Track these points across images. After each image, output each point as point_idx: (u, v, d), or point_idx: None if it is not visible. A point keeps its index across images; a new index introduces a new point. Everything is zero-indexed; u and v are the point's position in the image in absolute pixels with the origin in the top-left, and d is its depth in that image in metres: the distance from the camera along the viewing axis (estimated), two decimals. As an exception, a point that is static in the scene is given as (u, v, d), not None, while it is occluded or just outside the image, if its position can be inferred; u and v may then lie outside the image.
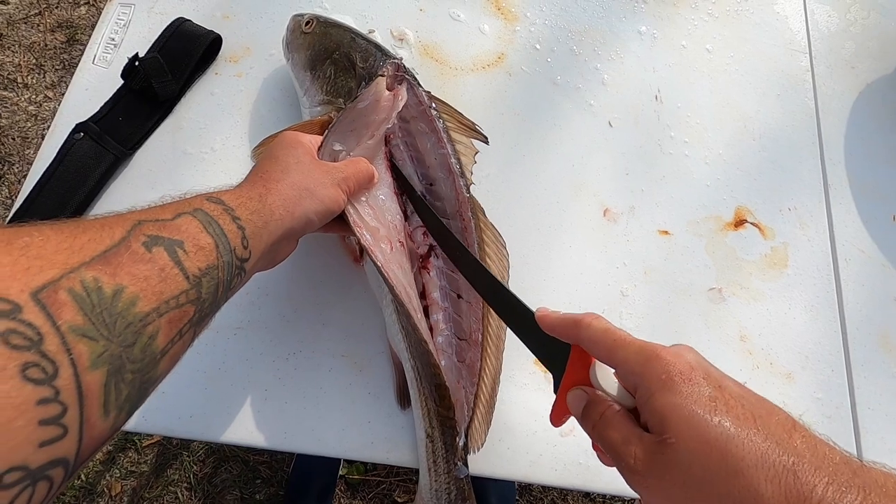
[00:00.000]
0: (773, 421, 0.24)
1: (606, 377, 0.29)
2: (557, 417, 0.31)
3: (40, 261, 0.21)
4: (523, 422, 0.45)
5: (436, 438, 0.40)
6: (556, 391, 0.31)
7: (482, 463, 0.43)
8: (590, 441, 0.29)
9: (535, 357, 0.33)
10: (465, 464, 0.41)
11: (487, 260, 0.45)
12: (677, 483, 0.24)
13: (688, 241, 0.53)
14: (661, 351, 0.26)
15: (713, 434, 0.23)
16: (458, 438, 0.40)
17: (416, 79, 0.47)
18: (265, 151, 0.39)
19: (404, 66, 0.47)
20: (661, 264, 0.52)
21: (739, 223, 0.55)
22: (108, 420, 0.22)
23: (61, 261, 0.21)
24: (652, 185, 0.55)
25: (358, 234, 0.40)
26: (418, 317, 0.40)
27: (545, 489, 1.08)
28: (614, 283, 0.51)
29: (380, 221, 0.42)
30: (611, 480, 0.44)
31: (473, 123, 0.48)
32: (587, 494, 1.08)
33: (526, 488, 1.08)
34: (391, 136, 0.47)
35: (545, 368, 0.32)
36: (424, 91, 0.47)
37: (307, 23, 0.49)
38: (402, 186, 0.46)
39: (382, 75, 0.45)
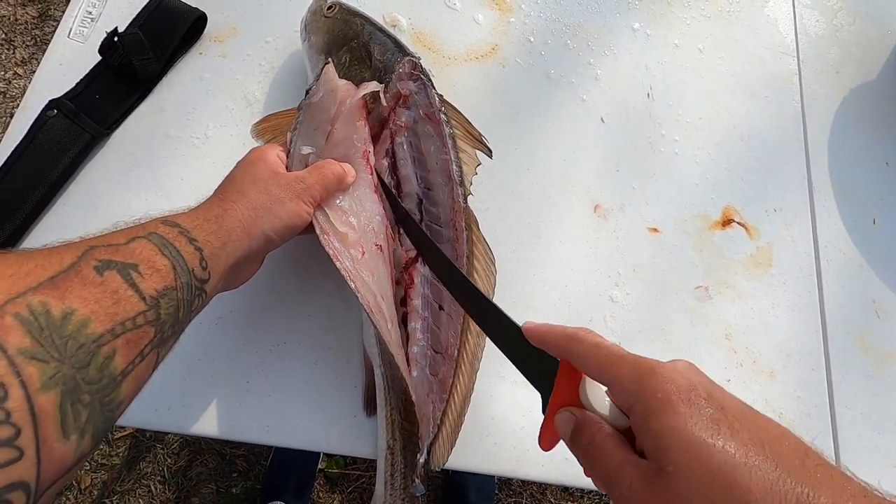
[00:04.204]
0: (783, 447, 0.22)
1: (597, 396, 0.26)
2: (547, 441, 0.29)
3: None
4: (511, 417, 0.44)
5: (396, 452, 0.39)
6: (543, 412, 0.28)
7: (469, 458, 0.43)
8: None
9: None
10: (423, 482, 0.39)
11: (475, 274, 0.44)
12: None
13: (676, 239, 0.53)
14: (657, 367, 0.24)
15: (716, 462, 0.21)
16: (419, 455, 0.39)
17: (430, 79, 0.46)
18: (228, 173, 0.38)
19: (421, 65, 0.45)
20: (649, 262, 0.52)
21: (727, 222, 0.55)
22: (68, 443, 0.21)
23: (6, 287, 0.22)
24: (642, 183, 0.55)
25: (324, 242, 0.38)
26: (388, 327, 0.38)
27: (524, 483, 1.09)
28: (603, 279, 0.51)
29: (351, 225, 0.40)
30: (596, 476, 0.44)
31: (481, 135, 0.47)
32: (565, 489, 1.09)
33: (506, 482, 1.09)
34: (396, 134, 0.45)
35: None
36: (437, 94, 0.45)
37: (329, 7, 0.49)
38: (387, 195, 0.44)
39: (398, 71, 0.44)
